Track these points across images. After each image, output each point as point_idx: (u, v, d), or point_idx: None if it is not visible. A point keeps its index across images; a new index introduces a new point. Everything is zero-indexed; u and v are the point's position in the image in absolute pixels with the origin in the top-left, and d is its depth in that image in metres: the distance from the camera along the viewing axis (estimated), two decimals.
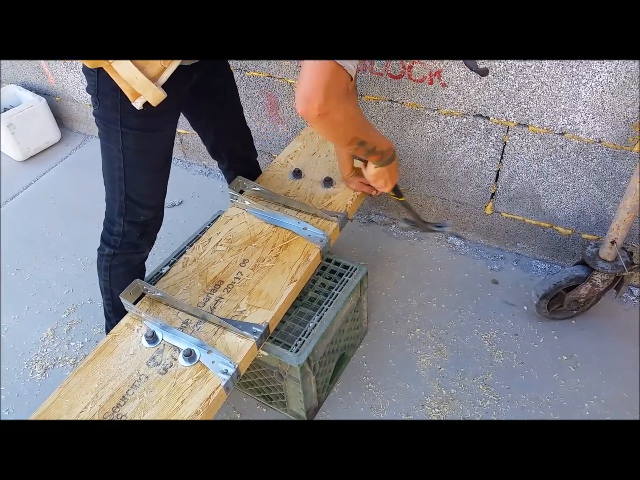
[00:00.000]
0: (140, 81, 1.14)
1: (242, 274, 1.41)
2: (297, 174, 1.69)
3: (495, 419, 1.52)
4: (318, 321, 1.43)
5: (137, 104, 1.18)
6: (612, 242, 1.50)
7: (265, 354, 1.38)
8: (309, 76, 0.96)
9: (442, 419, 1.53)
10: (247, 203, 1.57)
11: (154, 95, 1.16)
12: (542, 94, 1.55)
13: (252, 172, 1.73)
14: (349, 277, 1.55)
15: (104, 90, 1.21)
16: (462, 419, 1.53)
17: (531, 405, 1.55)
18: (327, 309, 1.46)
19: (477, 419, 1.52)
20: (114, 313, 1.55)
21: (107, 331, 1.60)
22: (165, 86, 1.18)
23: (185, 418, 1.11)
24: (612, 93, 1.46)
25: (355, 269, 1.57)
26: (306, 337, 1.39)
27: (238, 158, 1.70)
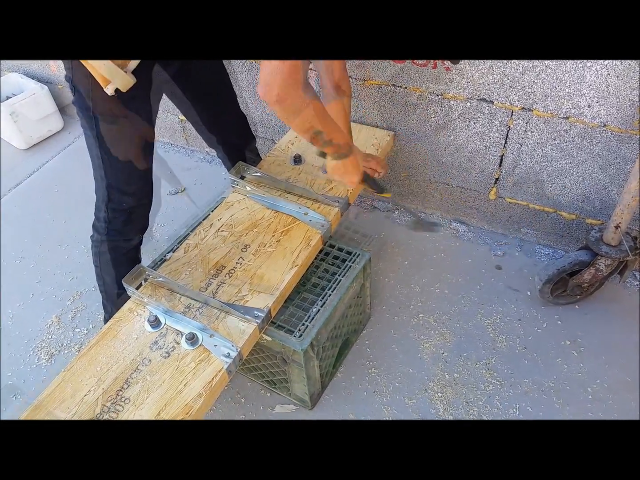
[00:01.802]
0: (108, 67, 1.14)
1: (243, 259, 1.41)
2: (298, 159, 1.68)
3: (498, 403, 1.52)
4: (321, 306, 1.43)
5: (109, 90, 1.19)
6: (616, 227, 1.49)
7: (269, 338, 1.38)
8: (269, 62, 1.00)
9: (445, 403, 1.54)
10: (248, 189, 1.57)
11: (123, 81, 1.17)
12: (546, 78, 1.54)
13: (252, 158, 1.72)
14: (352, 262, 1.54)
15: (78, 78, 1.23)
16: (465, 402, 1.53)
17: (534, 389, 1.55)
18: (330, 295, 1.46)
19: (480, 403, 1.53)
20: (107, 300, 1.56)
21: (106, 321, 1.60)
22: (137, 71, 1.18)
23: (188, 400, 1.12)
24: (617, 76, 1.44)
25: (359, 254, 1.56)
26: (309, 322, 1.40)
27: (235, 146, 1.69)
